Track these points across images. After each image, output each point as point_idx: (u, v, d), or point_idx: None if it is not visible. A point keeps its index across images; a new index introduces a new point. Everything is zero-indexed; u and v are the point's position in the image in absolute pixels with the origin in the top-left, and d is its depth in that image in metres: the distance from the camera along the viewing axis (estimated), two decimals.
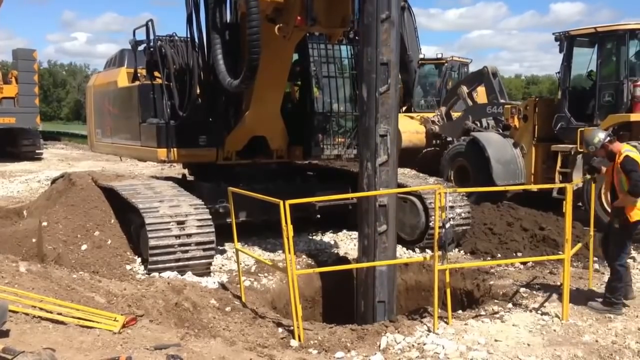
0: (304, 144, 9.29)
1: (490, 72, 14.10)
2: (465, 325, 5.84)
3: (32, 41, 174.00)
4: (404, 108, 21.10)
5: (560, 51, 11.11)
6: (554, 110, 11.51)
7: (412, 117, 15.71)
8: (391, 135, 6.39)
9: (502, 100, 13.71)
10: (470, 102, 14.51)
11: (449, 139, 14.56)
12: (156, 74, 9.02)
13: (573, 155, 10.82)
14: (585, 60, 11.21)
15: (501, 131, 13.16)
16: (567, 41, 11.06)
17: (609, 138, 6.39)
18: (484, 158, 11.87)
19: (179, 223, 7.14)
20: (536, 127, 11.77)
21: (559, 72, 11.47)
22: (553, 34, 11.15)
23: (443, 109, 15.27)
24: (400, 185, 8.12)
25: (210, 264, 7.49)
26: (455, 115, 15.39)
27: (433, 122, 15.18)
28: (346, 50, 9.53)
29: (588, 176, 7.32)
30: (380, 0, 6.14)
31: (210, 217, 7.42)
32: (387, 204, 6.42)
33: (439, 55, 21.12)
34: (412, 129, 15.09)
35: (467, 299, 7.59)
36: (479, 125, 14.11)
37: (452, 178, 12.83)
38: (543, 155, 11.72)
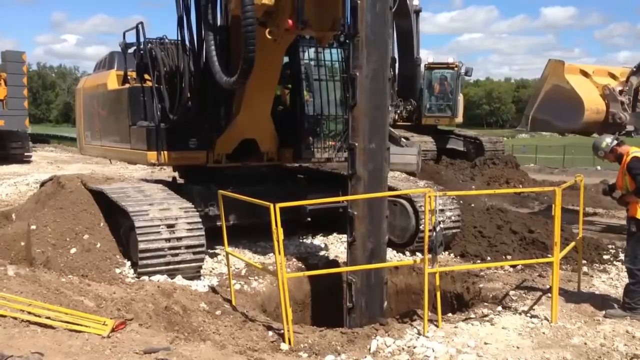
0: (294, 147, 9.29)
1: None
2: (455, 328, 5.86)
3: (21, 43, 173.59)
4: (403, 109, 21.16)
5: None
6: None
7: (587, 75, 11.00)
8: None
9: None
10: None
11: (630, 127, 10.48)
12: (146, 76, 8.98)
13: None
14: None
15: None
16: None
17: (616, 142, 6.43)
18: None
19: (169, 226, 7.12)
20: None
21: None
22: None
23: (635, 80, 10.25)
24: (390, 189, 8.13)
25: (200, 267, 7.47)
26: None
27: (622, 103, 10.53)
28: (337, 53, 9.54)
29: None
30: None
31: (200, 220, 7.41)
32: (374, 208, 6.43)
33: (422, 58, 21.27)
34: (593, 105, 10.81)
35: (457, 302, 7.63)
36: None
37: None
38: None
